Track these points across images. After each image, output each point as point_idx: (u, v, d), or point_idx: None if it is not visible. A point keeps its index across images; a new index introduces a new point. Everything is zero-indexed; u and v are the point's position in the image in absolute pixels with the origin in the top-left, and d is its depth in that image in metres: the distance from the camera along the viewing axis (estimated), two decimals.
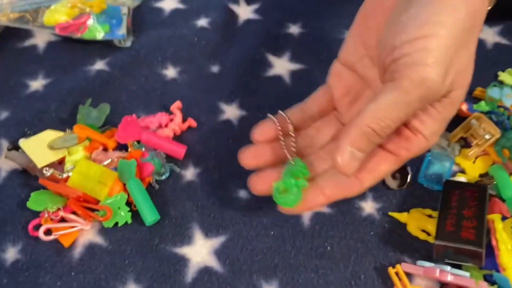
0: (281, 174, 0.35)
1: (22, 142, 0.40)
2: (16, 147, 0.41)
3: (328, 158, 0.36)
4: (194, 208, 0.39)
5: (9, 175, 0.41)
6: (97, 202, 0.38)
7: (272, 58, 0.50)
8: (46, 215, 0.37)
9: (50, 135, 0.40)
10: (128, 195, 0.38)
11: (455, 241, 0.33)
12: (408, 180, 0.40)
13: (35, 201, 0.37)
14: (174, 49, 0.50)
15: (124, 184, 0.39)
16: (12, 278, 0.36)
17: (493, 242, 0.34)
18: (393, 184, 0.40)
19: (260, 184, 0.35)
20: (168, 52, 0.50)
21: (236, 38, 0.50)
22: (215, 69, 0.49)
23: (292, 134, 0.36)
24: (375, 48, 0.34)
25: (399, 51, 0.30)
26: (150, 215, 0.37)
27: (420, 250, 0.37)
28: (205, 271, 0.36)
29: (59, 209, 0.37)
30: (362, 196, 0.40)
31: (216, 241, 0.38)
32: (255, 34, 0.52)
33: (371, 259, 0.37)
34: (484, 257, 0.33)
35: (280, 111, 0.37)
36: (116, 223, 0.38)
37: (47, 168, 0.38)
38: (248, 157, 0.36)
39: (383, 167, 0.34)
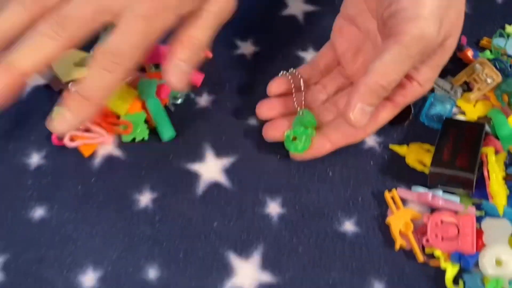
0: (291, 124, 0.39)
1: None
2: None
3: (333, 109, 0.40)
4: (207, 131, 0.42)
5: (33, 90, 0.44)
6: (117, 118, 0.41)
7: None
8: None
9: (74, 54, 0.42)
10: (146, 114, 0.41)
11: (449, 168, 0.36)
12: (411, 117, 0.42)
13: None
14: None
15: (143, 103, 0.41)
16: (36, 180, 0.39)
17: (485, 173, 0.36)
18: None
19: (272, 131, 0.40)
20: None
21: None
22: None
23: (302, 89, 0.41)
24: (373, 1, 0.36)
25: (396, 5, 0.33)
26: (167, 131, 0.40)
27: (415, 180, 0.39)
28: (215, 186, 0.39)
29: None
30: None
31: (226, 161, 0.40)
32: None
33: (369, 185, 0.39)
34: (474, 185, 0.36)
35: (291, 69, 0.41)
36: (134, 139, 0.40)
37: (72, 84, 0.41)
38: (263, 110, 0.40)
39: (383, 114, 0.38)
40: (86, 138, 0.39)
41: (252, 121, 0.43)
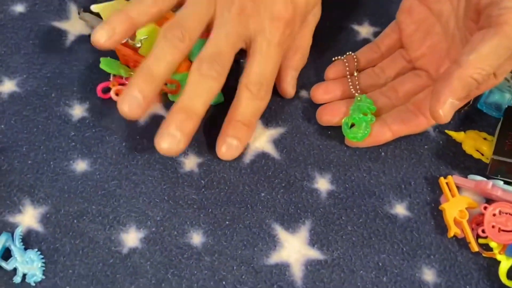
0: (348, 108, 0.38)
1: (97, 6, 0.40)
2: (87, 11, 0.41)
3: (391, 94, 0.38)
4: None
5: (77, 39, 0.42)
6: None
7: None
8: (114, 80, 0.38)
9: (123, 4, 0.40)
10: None
11: None
12: (470, 103, 0.40)
13: (106, 64, 0.38)
14: None
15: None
16: (79, 132, 0.37)
17: None
18: None
19: (328, 116, 0.38)
20: None
21: None
22: None
23: (355, 73, 0.39)
24: None
25: None
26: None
27: (471, 168, 0.38)
28: (262, 156, 0.38)
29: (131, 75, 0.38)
30: None
31: (275, 132, 0.39)
32: None
33: (423, 169, 0.38)
34: None
35: (349, 52, 0.40)
36: None
37: None
38: (318, 93, 0.39)
39: None
40: None
41: (303, 93, 0.41)
